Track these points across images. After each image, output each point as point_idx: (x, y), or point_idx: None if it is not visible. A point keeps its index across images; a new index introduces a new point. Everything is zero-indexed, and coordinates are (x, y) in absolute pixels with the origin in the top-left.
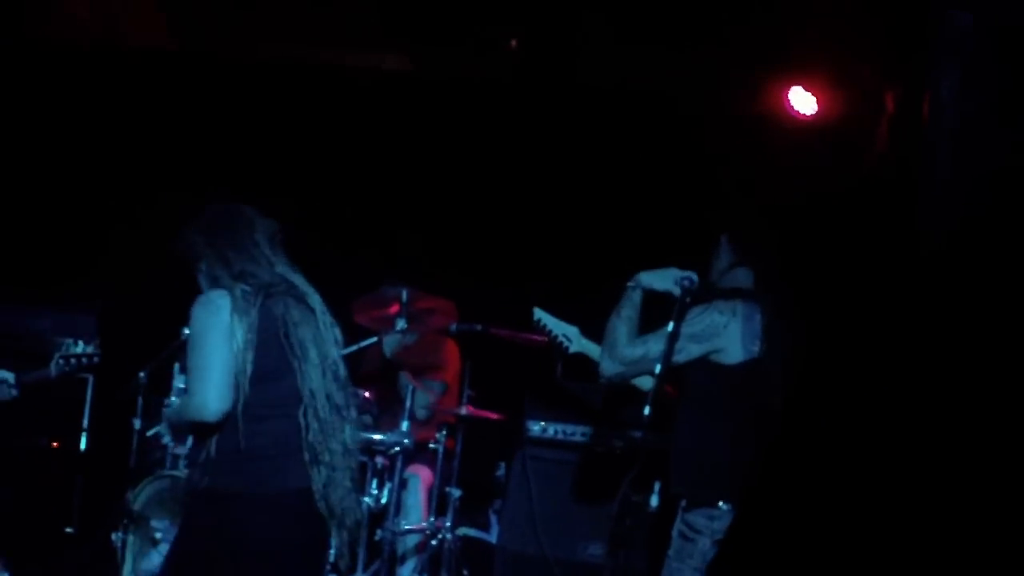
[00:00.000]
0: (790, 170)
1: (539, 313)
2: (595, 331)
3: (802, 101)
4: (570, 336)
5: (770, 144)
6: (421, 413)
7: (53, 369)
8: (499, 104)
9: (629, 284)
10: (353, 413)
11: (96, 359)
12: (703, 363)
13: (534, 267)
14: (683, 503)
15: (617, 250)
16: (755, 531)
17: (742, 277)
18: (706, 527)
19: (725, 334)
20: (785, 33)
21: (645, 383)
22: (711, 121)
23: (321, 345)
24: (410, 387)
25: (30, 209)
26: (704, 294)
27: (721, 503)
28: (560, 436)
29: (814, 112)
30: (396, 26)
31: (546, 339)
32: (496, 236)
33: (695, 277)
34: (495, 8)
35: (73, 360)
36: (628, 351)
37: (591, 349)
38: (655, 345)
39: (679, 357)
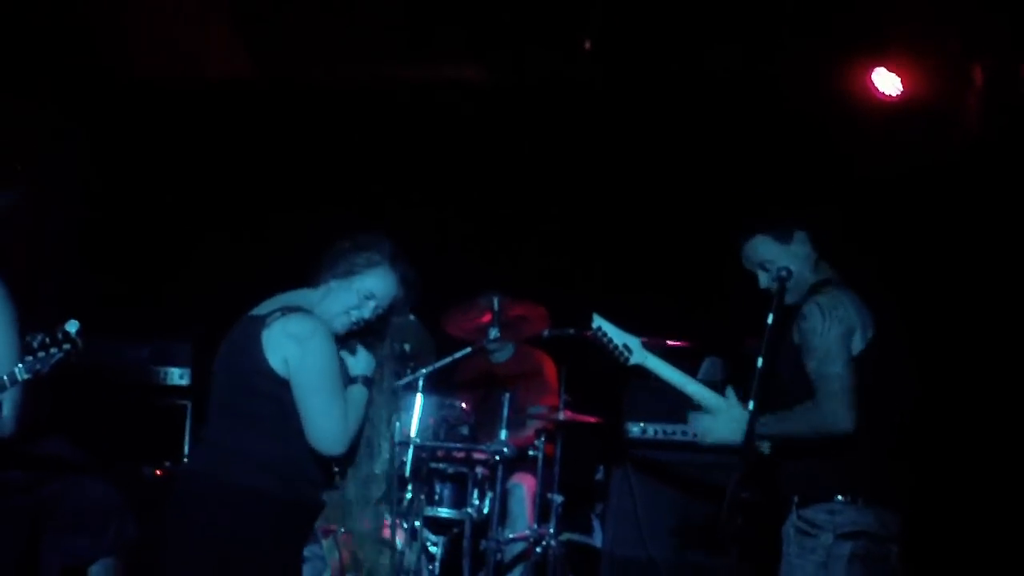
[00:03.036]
0: (881, 152)
1: (599, 320)
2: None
3: (886, 82)
4: (631, 347)
5: (859, 127)
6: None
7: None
8: (578, 106)
9: None
10: None
11: (67, 347)
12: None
13: (624, 268)
14: (796, 499)
15: (704, 246)
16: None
17: (825, 270)
18: (827, 522)
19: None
20: (865, 12)
21: None
22: (797, 108)
23: None
24: (507, 396)
25: (125, 241)
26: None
27: (839, 496)
28: (660, 436)
29: (900, 92)
30: (473, 37)
31: (604, 348)
32: (584, 238)
33: (792, 268)
34: (569, 11)
35: (41, 354)
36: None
37: (652, 362)
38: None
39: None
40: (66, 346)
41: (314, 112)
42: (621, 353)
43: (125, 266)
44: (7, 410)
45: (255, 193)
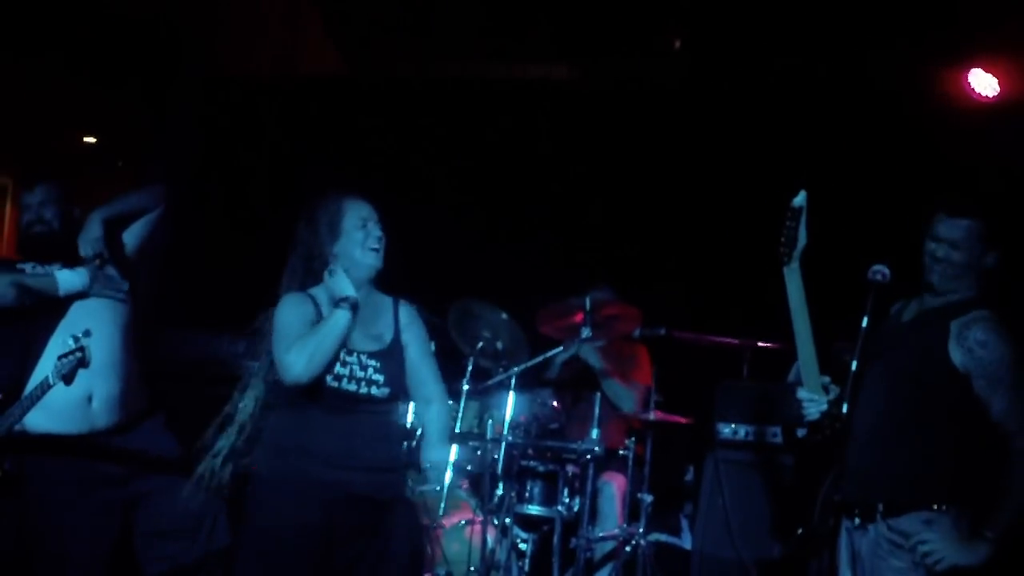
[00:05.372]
0: (978, 153)
1: (803, 200)
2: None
3: (983, 83)
4: (798, 245)
5: (956, 128)
6: (628, 405)
7: (51, 378)
8: (667, 106)
9: None
10: None
11: (78, 355)
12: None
13: (715, 269)
14: (880, 506)
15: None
16: None
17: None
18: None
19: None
20: (961, 14)
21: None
22: (894, 110)
23: None
24: (598, 395)
25: (222, 236)
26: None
27: (935, 505)
28: (751, 438)
29: (996, 93)
30: (563, 36)
31: (785, 227)
32: (676, 239)
33: (887, 271)
34: (661, 12)
35: (65, 360)
36: None
37: (793, 279)
38: None
39: None
40: (78, 354)
41: (402, 108)
42: (787, 242)
43: (221, 260)
44: (97, 402)
45: (348, 187)
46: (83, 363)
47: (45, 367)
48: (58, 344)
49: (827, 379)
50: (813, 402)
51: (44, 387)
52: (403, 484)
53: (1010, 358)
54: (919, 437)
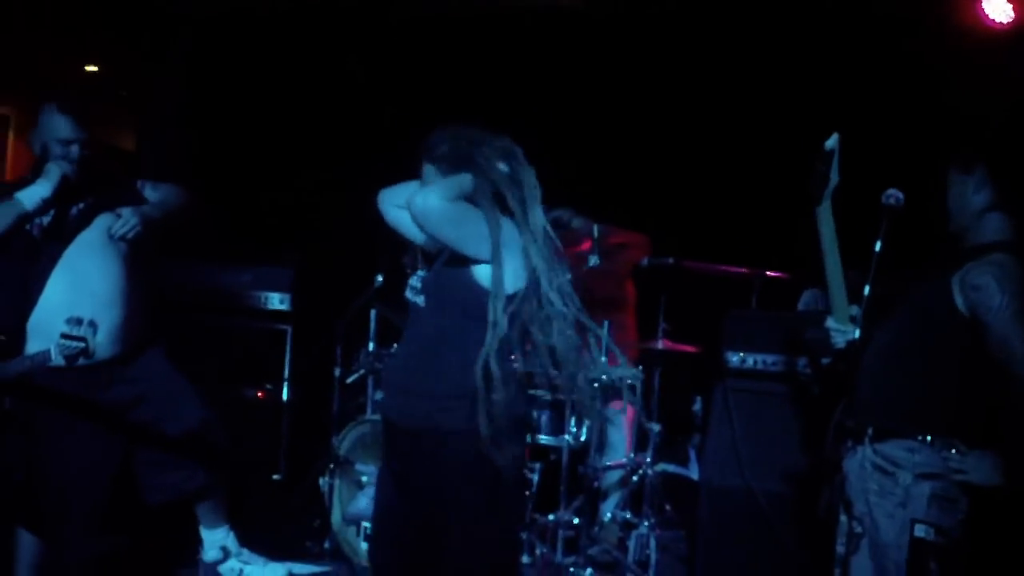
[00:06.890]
0: (990, 83)
1: (836, 143)
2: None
3: (997, 9)
4: (830, 185)
5: (967, 57)
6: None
7: (52, 353)
8: (679, 35)
9: None
10: None
11: (81, 345)
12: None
13: (722, 197)
14: (870, 432)
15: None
16: None
17: (996, 225)
18: (906, 460)
19: None
20: None
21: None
22: (903, 37)
23: None
24: (606, 323)
25: (227, 166)
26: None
27: (919, 435)
28: (760, 367)
29: (1011, 20)
30: None
31: (816, 168)
32: (683, 166)
33: (901, 195)
34: None
35: (70, 342)
36: None
37: (826, 217)
38: None
39: None
40: (81, 344)
41: (405, 40)
42: (819, 183)
43: (227, 191)
44: (100, 334)
45: (353, 119)
46: (86, 354)
47: (45, 307)
48: (60, 283)
49: (855, 309)
50: (840, 332)
51: (45, 358)
52: (454, 414)
53: (1000, 304)
54: (921, 371)
